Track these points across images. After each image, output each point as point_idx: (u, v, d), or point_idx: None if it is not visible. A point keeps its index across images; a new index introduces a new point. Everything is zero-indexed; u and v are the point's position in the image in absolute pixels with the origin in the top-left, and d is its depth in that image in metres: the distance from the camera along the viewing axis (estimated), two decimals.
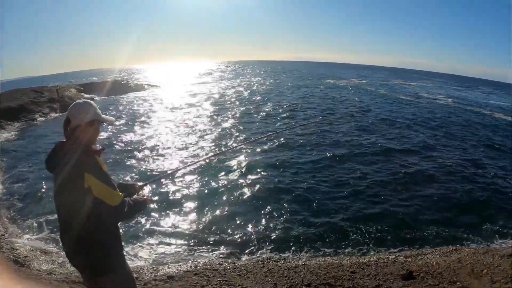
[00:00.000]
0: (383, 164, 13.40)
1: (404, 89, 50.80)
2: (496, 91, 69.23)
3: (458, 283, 5.06)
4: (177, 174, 11.98)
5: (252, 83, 52.26)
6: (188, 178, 12.06)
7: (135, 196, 2.61)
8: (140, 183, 2.86)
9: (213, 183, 11.69)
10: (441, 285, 5.03)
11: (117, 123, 21.23)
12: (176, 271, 4.95)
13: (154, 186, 11.01)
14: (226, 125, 21.11)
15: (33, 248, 5.94)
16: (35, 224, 8.66)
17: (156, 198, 10.25)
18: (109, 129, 19.85)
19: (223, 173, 12.54)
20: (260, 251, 7.68)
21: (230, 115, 24.22)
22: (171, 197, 10.61)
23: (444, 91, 54.56)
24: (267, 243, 8.01)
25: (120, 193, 2.28)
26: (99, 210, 2.17)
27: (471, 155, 15.53)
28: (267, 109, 26.22)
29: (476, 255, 5.94)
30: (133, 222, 8.86)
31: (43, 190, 11.09)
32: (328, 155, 14.37)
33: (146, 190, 9.37)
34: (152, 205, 9.73)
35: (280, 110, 25.49)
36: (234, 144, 15.82)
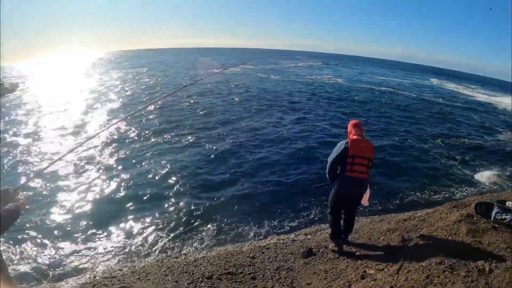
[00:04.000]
0: (274, 147, 13.14)
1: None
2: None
3: (358, 253, 4.90)
4: (53, 169, 10.28)
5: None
6: (65, 173, 10.46)
7: (6, 206, 2.27)
8: (12, 187, 2.50)
9: (91, 174, 10.28)
10: (341, 258, 4.86)
11: None
12: (75, 285, 4.61)
13: (32, 185, 9.28)
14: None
15: None
16: None
17: (34, 200, 8.61)
18: None
19: (98, 165, 11.05)
20: (159, 250, 6.85)
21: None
22: (50, 196, 8.96)
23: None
24: (165, 241, 7.17)
25: None
26: None
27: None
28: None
29: (373, 223, 5.96)
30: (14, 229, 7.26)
31: None
32: (225, 144, 13.58)
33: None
34: (32, 208, 8.11)
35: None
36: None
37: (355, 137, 4.46)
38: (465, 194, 9.62)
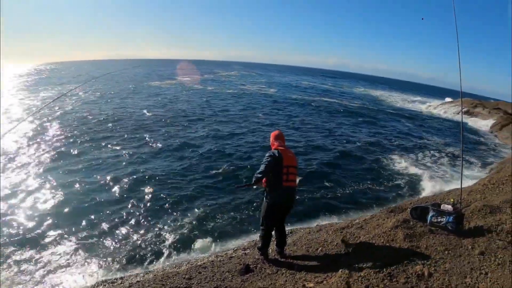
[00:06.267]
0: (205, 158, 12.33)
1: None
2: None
3: (296, 266, 4.53)
4: None
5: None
6: None
7: None
8: None
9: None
10: (279, 272, 4.44)
11: None
12: None
13: None
14: None
15: None
16: None
17: None
18: None
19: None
20: (93, 274, 6.01)
21: None
22: None
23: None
24: (99, 264, 6.31)
25: None
26: None
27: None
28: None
29: (311, 234, 5.64)
30: None
31: None
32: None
33: None
34: None
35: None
36: None
37: (281, 147, 4.45)
38: (399, 192, 9.64)
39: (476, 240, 4.15)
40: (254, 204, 8.32)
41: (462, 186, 5.17)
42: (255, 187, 4.93)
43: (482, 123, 24.26)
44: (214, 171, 10.90)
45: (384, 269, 3.62)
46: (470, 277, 3.39)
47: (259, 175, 4.32)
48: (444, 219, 4.48)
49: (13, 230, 7.45)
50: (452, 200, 4.73)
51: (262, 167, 4.31)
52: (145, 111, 21.09)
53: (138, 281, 4.89)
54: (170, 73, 63.99)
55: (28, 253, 6.70)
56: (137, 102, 25.49)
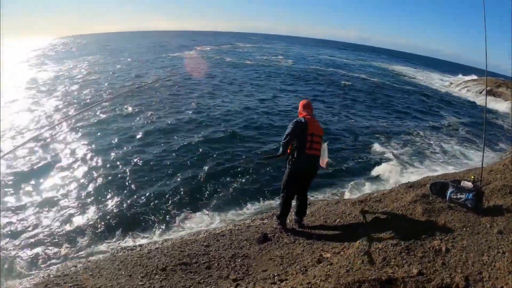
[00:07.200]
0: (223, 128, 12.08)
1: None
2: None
3: (314, 236, 4.61)
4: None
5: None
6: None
7: None
8: None
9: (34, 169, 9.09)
10: (297, 242, 4.53)
11: None
12: (28, 285, 4.23)
13: None
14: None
15: None
16: None
17: None
18: None
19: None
20: (112, 242, 6.16)
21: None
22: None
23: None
24: (118, 233, 6.41)
25: None
26: None
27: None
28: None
29: (329, 206, 5.69)
30: None
31: None
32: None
33: None
34: None
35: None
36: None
37: (308, 116, 4.53)
38: (415, 170, 9.42)
39: (495, 219, 4.12)
40: (274, 175, 8.36)
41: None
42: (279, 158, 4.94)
43: (504, 104, 23.35)
44: (233, 142, 10.96)
45: (402, 242, 3.66)
46: (488, 255, 3.39)
47: (285, 140, 4.42)
48: (464, 196, 4.45)
49: (28, 196, 7.68)
50: (472, 177, 4.67)
51: (287, 131, 4.41)
52: (165, 82, 20.96)
53: (157, 248, 5.02)
54: (188, 44, 63.42)
55: (47, 219, 6.95)
56: (158, 72, 25.42)
